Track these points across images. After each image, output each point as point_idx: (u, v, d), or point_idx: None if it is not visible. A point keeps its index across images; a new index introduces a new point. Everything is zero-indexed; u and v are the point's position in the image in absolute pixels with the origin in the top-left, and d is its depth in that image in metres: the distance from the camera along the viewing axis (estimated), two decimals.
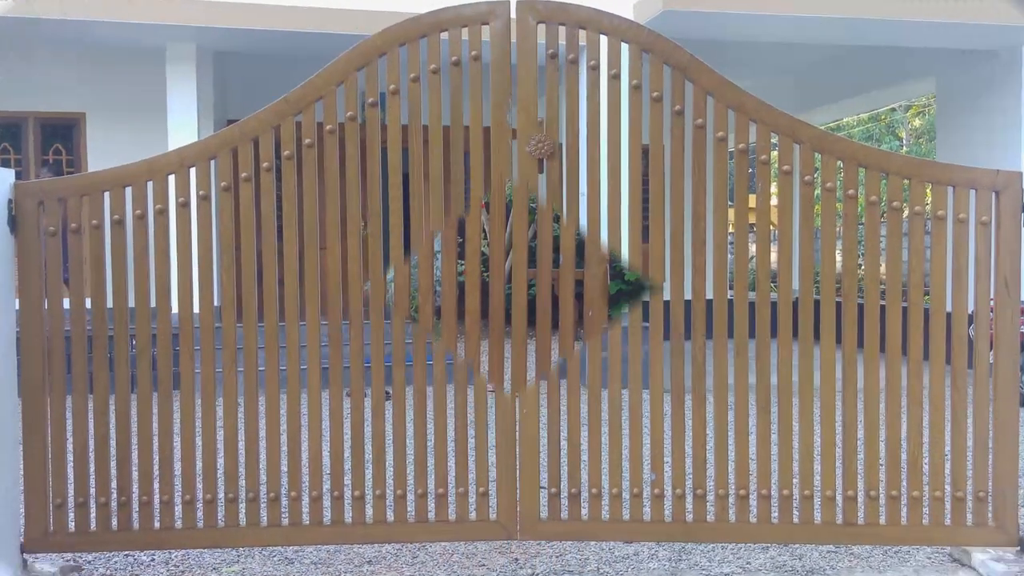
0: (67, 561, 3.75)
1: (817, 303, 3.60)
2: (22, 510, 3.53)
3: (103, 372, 3.56)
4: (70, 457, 3.57)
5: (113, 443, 3.57)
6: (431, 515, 3.68)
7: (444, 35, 3.55)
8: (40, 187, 3.54)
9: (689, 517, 3.67)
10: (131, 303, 3.55)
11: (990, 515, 3.63)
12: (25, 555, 3.54)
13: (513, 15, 3.54)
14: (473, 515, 3.68)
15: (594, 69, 3.57)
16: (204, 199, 3.56)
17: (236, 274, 3.61)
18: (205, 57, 9.33)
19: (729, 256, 3.69)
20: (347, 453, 3.66)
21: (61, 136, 10.60)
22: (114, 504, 3.58)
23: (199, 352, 3.60)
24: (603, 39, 3.57)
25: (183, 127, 8.93)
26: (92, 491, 3.58)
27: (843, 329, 3.61)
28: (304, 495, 3.67)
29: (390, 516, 3.68)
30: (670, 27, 7.84)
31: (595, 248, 3.61)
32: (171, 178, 3.54)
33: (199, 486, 3.63)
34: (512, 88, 3.58)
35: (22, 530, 3.54)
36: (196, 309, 3.58)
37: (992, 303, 3.62)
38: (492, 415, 3.63)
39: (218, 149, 3.56)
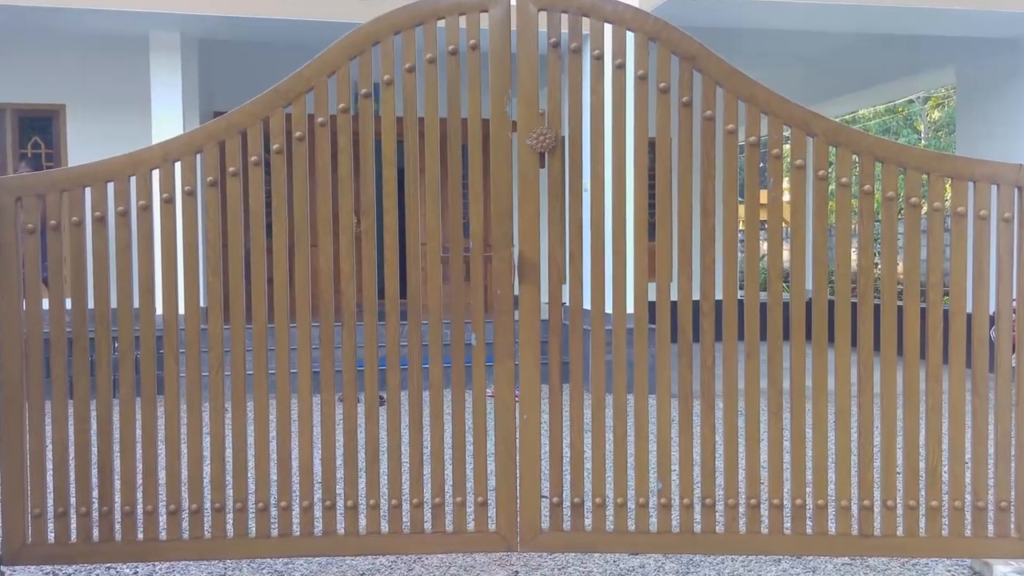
0: (46, 574, 3.75)
1: (831, 303, 3.60)
2: None
3: (84, 376, 3.56)
4: (49, 465, 3.57)
5: (94, 450, 3.57)
6: (427, 526, 3.69)
7: (441, 23, 3.55)
8: (18, 182, 3.54)
9: (697, 528, 3.68)
10: (113, 304, 3.55)
11: (1012, 526, 3.63)
12: (2, 568, 3.55)
13: (513, 2, 3.54)
14: (471, 526, 3.68)
15: (598, 59, 3.57)
16: (189, 195, 3.57)
17: (223, 273, 3.61)
18: (190, 46, 9.33)
19: (739, 254, 3.70)
20: (339, 461, 3.67)
21: (40, 129, 10.61)
22: (95, 514, 3.58)
23: (184, 355, 3.60)
24: (607, 27, 3.57)
25: (167, 119, 8.94)
26: (72, 501, 3.58)
27: (859, 331, 3.61)
28: (294, 505, 3.67)
29: (384, 527, 3.69)
30: (677, 14, 7.86)
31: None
32: (155, 173, 3.55)
33: (184, 495, 3.63)
34: (512, 79, 3.58)
35: None
36: (181, 310, 3.58)
37: (1015, 303, 3.62)
38: (491, 421, 3.64)
39: (204, 142, 3.56)
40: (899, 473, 3.67)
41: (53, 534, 3.58)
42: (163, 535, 3.63)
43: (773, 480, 3.65)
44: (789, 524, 3.67)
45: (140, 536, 3.60)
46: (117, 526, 3.60)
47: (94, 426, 3.56)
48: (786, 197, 3.78)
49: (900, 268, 3.70)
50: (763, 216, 4.12)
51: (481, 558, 3.98)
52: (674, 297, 3.64)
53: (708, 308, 3.60)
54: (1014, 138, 9.68)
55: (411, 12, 3.54)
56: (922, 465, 3.65)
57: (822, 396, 3.63)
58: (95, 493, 3.59)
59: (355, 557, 3.90)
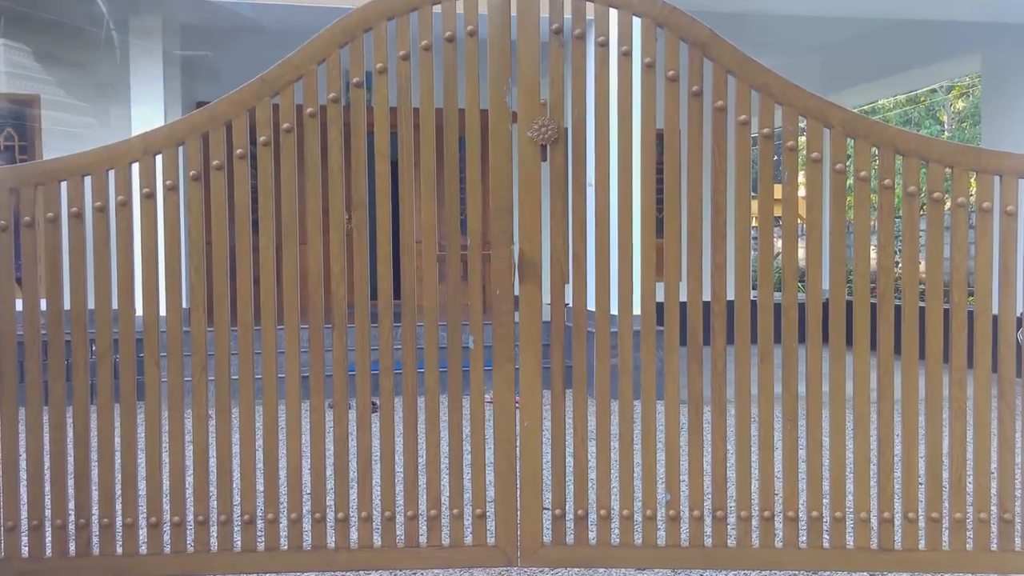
0: None
1: (849, 304, 3.60)
2: None
3: (59, 381, 3.56)
4: (23, 475, 3.58)
5: (71, 460, 3.57)
6: (422, 539, 3.69)
7: (437, 8, 3.55)
8: None
9: (708, 541, 3.68)
10: (91, 304, 3.56)
11: None
12: None
13: None
14: (469, 539, 3.69)
15: (603, 46, 3.57)
16: (171, 189, 3.57)
17: (207, 272, 3.61)
18: (172, 32, 9.33)
19: (752, 252, 3.70)
20: (329, 471, 3.67)
21: (13, 120, 10.61)
22: (72, 527, 3.59)
23: (166, 359, 3.61)
24: (612, 12, 3.58)
25: (148, 110, 8.93)
26: (47, 513, 3.59)
27: (878, 333, 3.61)
28: (282, 517, 3.67)
29: (377, 540, 3.69)
30: None
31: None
32: (135, 166, 3.55)
33: (166, 507, 3.63)
34: (512, 67, 3.58)
35: None
36: (162, 311, 3.58)
37: None
38: (490, 428, 3.64)
39: (187, 134, 3.56)
40: (921, 484, 3.67)
41: (27, 548, 3.58)
42: (143, 549, 3.63)
43: (788, 491, 3.65)
44: (805, 537, 3.67)
45: (119, 550, 3.60)
46: (95, 540, 3.60)
47: (70, 434, 3.57)
48: (801, 192, 3.79)
49: (922, 267, 3.70)
50: (777, 212, 4.12)
51: (480, 574, 3.98)
52: (683, 298, 3.64)
53: (719, 309, 3.60)
54: None
55: None
56: (945, 475, 3.65)
57: (839, 402, 3.63)
58: (71, 505, 3.59)
59: (346, 572, 3.91)
